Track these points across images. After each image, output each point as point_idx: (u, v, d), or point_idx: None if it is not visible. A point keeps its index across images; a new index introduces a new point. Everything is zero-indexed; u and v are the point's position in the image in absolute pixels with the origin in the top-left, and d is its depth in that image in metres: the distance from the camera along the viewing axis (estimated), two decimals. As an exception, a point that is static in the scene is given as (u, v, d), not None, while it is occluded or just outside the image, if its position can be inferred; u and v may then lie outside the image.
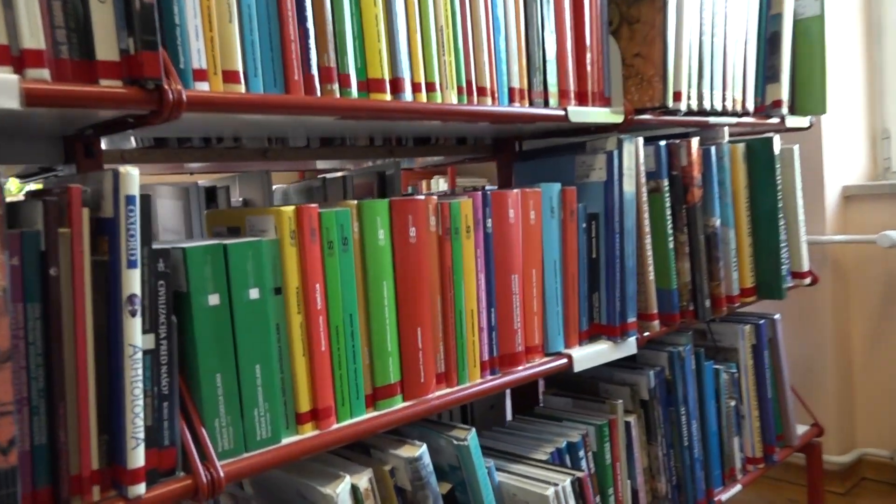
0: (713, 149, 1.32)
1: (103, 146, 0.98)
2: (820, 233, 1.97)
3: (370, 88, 0.88)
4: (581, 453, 1.16)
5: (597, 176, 1.17)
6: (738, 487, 1.45)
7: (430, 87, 0.94)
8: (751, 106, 1.46)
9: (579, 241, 1.14)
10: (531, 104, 1.08)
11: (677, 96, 1.24)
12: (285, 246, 0.81)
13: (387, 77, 0.89)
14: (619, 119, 1.18)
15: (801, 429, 1.69)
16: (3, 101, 0.59)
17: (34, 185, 1.20)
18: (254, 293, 0.78)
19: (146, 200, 0.68)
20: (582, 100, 1.15)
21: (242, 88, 0.77)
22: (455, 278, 0.97)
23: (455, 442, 0.95)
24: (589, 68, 1.15)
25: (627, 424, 1.25)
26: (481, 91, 1.00)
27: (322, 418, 0.84)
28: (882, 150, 2.10)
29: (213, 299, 0.75)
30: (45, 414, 0.64)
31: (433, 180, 2.73)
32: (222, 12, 0.75)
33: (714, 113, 1.37)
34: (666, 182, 1.24)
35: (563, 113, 1.09)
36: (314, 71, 0.83)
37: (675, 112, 1.26)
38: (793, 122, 1.59)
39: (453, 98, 0.97)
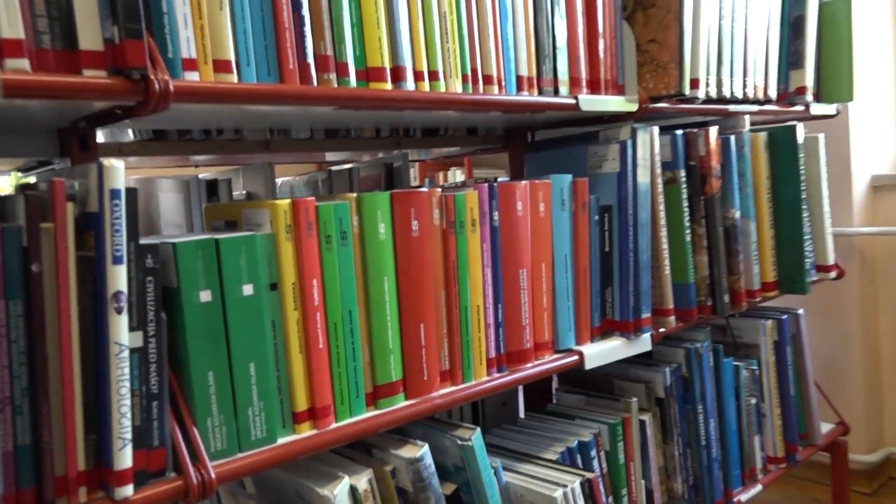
0: (733, 138, 1.27)
1: (101, 139, 0.97)
2: (847, 224, 1.91)
3: (370, 78, 0.85)
4: (593, 453, 1.12)
5: (610, 167, 1.13)
6: (758, 488, 1.40)
7: (434, 76, 0.91)
8: (773, 93, 1.41)
9: (591, 235, 1.11)
10: (540, 93, 1.04)
11: (694, 83, 1.19)
12: (281, 240, 0.79)
13: (387, 65, 0.86)
14: (633, 107, 1.14)
15: (825, 427, 1.63)
16: (-21, 93, 0.58)
17: (31, 179, 1.19)
18: (247, 289, 0.76)
19: (132, 194, 0.66)
20: (594, 88, 1.11)
21: (234, 78, 0.75)
22: (460, 273, 0.94)
23: (459, 442, 0.92)
24: (601, 55, 1.11)
25: (642, 423, 1.22)
26: (487, 79, 0.97)
27: (320, 417, 0.82)
28: (913, 139, 2.03)
29: (205, 295, 0.73)
30: (29, 413, 0.63)
31: (450, 172, 2.70)
32: (213, -1, 0.72)
33: (734, 101, 1.32)
34: (683, 173, 1.20)
35: (573, 101, 1.06)
36: (310, 59, 0.80)
37: (693, 100, 1.21)
38: (818, 109, 1.53)
39: (458, 87, 0.93)
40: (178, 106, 0.75)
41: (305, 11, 0.79)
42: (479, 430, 0.93)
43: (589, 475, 1.01)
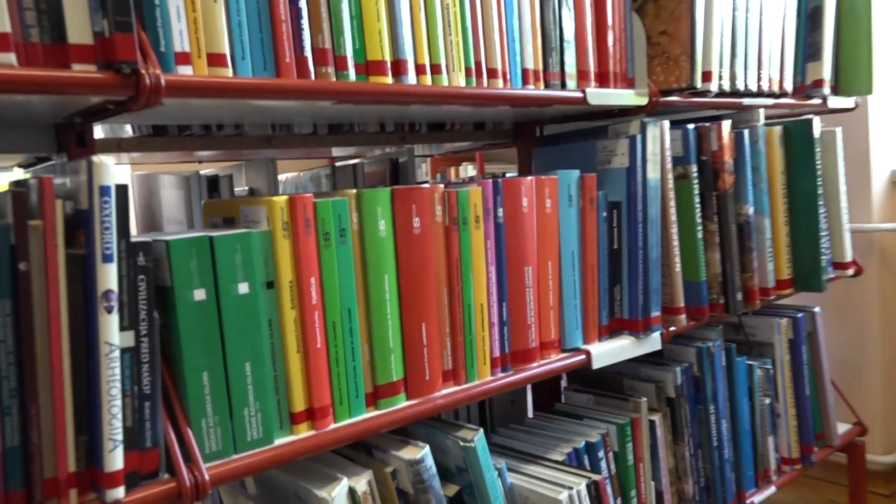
0: (746, 132, 1.24)
1: (101, 134, 0.96)
2: (866, 220, 1.87)
3: (369, 71, 0.83)
4: (600, 454, 1.10)
5: (619, 162, 1.10)
6: (772, 489, 1.37)
7: (436, 70, 0.89)
8: (789, 86, 1.37)
9: (599, 231, 1.08)
10: (547, 86, 1.02)
11: (707, 76, 1.16)
12: (278, 238, 0.77)
13: (388, 59, 0.85)
14: (642, 101, 1.11)
15: (842, 427, 1.60)
16: (-36, 88, 0.56)
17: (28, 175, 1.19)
18: (243, 287, 0.74)
19: (122, 191, 0.65)
20: (603, 81, 1.09)
21: (229, 72, 0.73)
22: (463, 271, 0.92)
23: (462, 443, 0.90)
24: (610, 47, 1.08)
25: (652, 423, 1.19)
26: (491, 73, 0.95)
27: (318, 418, 0.80)
28: (935, 133, 1.98)
29: (199, 294, 0.72)
30: (18, 414, 0.62)
31: (461, 167, 2.67)
32: (206, -9, 0.71)
33: (748, 94, 1.28)
34: (694, 168, 1.17)
35: (580, 95, 1.03)
36: (307, 53, 0.78)
37: (705, 93, 1.18)
38: (836, 102, 1.49)
39: (461, 81, 0.91)
40: (174, 101, 0.74)
41: (303, 3, 0.77)
42: (481, 431, 0.91)
43: (595, 477, 0.99)
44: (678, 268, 1.15)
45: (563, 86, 1.04)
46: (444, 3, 0.89)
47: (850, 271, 1.47)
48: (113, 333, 0.64)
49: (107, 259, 0.63)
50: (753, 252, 1.26)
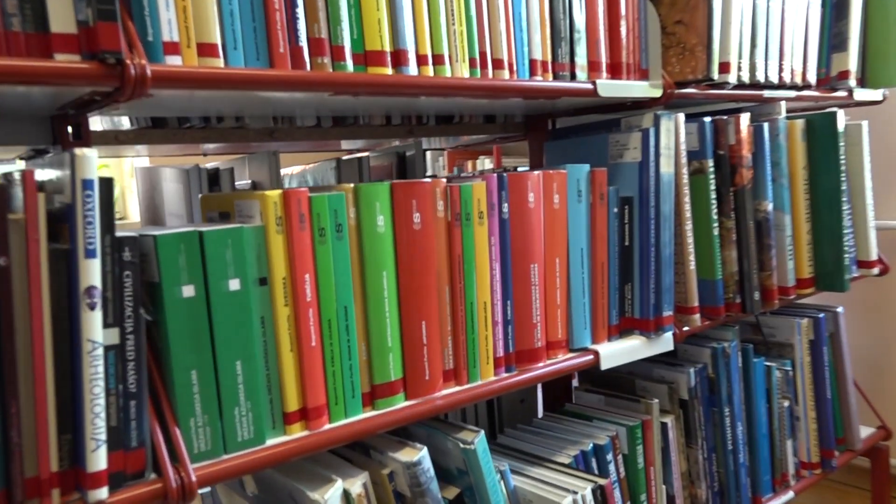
0: (766, 125, 1.19)
1: (99, 126, 0.95)
2: (893, 217, 1.80)
3: (368, 62, 0.81)
4: (609, 456, 1.07)
5: (631, 156, 1.07)
6: (790, 495, 1.33)
7: (438, 60, 0.86)
8: (812, 78, 1.32)
9: (610, 228, 1.05)
10: (556, 77, 0.99)
11: (724, 67, 1.12)
12: (271, 233, 0.75)
13: (387, 49, 0.82)
14: (656, 93, 1.08)
15: (865, 431, 1.55)
16: (-61, 78, 0.55)
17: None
18: (234, 284, 0.73)
19: (106, 185, 0.63)
20: (615, 72, 1.05)
21: (221, 63, 0.71)
22: (466, 268, 0.90)
23: (462, 445, 0.88)
24: (623, 37, 1.05)
25: (664, 425, 1.16)
26: (497, 64, 0.92)
27: (312, 418, 0.78)
28: (969, 127, 1.90)
29: (188, 290, 0.70)
30: (-2, 413, 0.60)
31: (479, 161, 2.64)
32: (196, -21, 0.69)
33: (769, 86, 1.24)
34: (711, 163, 1.13)
35: (590, 87, 1.00)
36: (303, 43, 0.76)
37: (723, 85, 1.14)
38: (862, 95, 1.44)
39: (465, 72, 0.89)
40: (168, 92, 0.72)
41: (297, -8, 0.75)
42: (482, 433, 0.89)
43: (601, 481, 0.96)
44: (692, 266, 1.11)
45: (573, 77, 1.00)
46: (447, -8, 0.86)
47: (876, 270, 1.42)
48: (95, 331, 0.62)
49: (89, 254, 0.62)
50: (772, 250, 1.21)
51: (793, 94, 1.28)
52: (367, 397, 0.83)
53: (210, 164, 1.10)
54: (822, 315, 1.38)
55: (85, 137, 0.83)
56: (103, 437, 0.63)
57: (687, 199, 1.10)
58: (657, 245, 1.05)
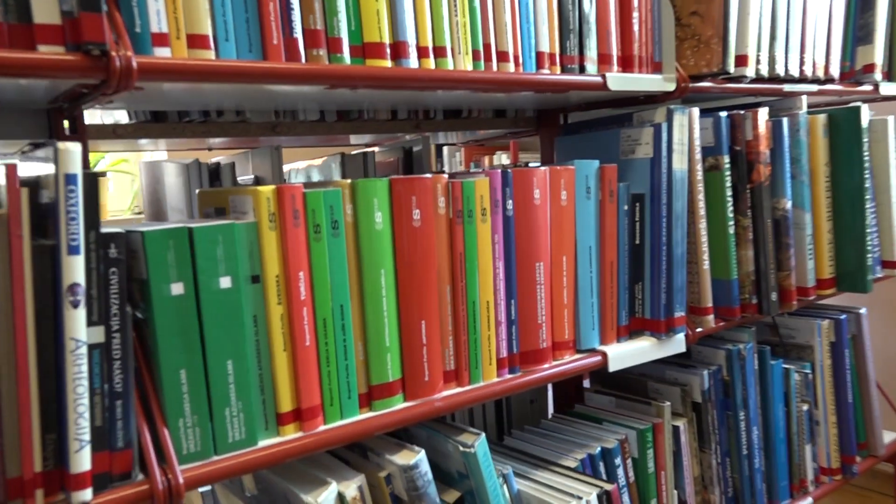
0: (785, 120, 1.15)
1: (98, 120, 0.94)
2: (922, 216, 1.74)
3: (366, 54, 0.79)
4: (617, 460, 1.04)
5: (643, 152, 1.03)
6: (808, 501, 1.29)
7: (440, 52, 0.84)
8: (836, 71, 1.28)
9: (620, 226, 1.02)
10: (564, 70, 0.96)
11: (742, 60, 1.08)
12: (264, 230, 0.73)
13: (387, 41, 0.80)
14: (670, 87, 1.04)
15: (889, 436, 1.50)
16: (-84, 70, 0.54)
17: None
18: (225, 282, 0.71)
19: (91, 179, 0.62)
20: (626, 65, 1.02)
21: (212, 55, 0.69)
22: (467, 266, 0.87)
23: (462, 448, 0.85)
24: (635, 29, 1.01)
25: (676, 429, 1.13)
26: (502, 56, 0.89)
27: (306, 419, 0.77)
28: None
29: (177, 288, 0.68)
30: (-21, 412, 0.59)
31: (495, 156, 2.61)
32: (186, -31, 0.67)
33: (790, 80, 1.20)
34: (727, 159, 1.09)
35: (600, 80, 0.97)
36: (297, 34, 0.74)
37: (740, 78, 1.10)
38: (889, 89, 1.39)
39: (468, 64, 0.86)
40: (159, 85, 0.71)
41: (292, -18, 0.73)
42: (483, 436, 0.86)
43: (608, 487, 0.93)
44: (706, 265, 1.08)
45: (583, 70, 0.97)
46: (449, -18, 0.84)
47: (901, 271, 1.37)
48: (79, 329, 0.61)
49: (73, 251, 0.60)
50: (791, 249, 1.17)
51: (815, 88, 1.24)
52: (364, 398, 0.82)
53: (214, 158, 1.09)
54: (843, 316, 1.34)
55: (80, 131, 0.82)
56: (87, 437, 0.62)
57: (701, 196, 1.06)
58: (669, 243, 1.02)
